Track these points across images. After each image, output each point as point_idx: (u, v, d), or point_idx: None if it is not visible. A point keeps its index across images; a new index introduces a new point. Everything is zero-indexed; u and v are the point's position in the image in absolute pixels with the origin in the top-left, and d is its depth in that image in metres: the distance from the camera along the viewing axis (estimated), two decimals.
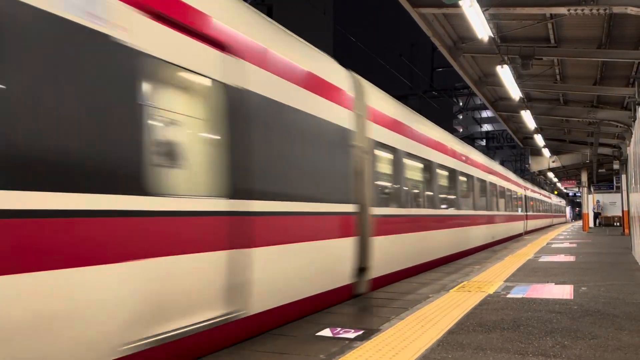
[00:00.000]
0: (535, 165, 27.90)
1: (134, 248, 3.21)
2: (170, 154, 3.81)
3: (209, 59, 4.01)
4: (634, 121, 11.39)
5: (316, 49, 6.08)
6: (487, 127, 67.34)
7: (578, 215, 69.96)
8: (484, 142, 58.95)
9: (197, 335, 3.70)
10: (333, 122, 5.89)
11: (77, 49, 2.94)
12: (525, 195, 24.93)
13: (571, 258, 10.84)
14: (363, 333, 4.35)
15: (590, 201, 30.82)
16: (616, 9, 8.40)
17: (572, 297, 5.88)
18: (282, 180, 4.81)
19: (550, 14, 9.83)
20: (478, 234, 14.07)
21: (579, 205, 56.32)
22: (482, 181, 14.95)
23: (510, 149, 61.94)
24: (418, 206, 9.35)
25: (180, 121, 3.93)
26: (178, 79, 3.95)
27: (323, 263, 5.56)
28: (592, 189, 33.79)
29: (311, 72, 5.57)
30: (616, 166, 23.34)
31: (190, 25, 3.80)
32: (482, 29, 8.59)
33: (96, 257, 2.97)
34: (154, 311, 3.34)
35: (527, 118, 16.48)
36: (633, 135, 10.60)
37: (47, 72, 2.78)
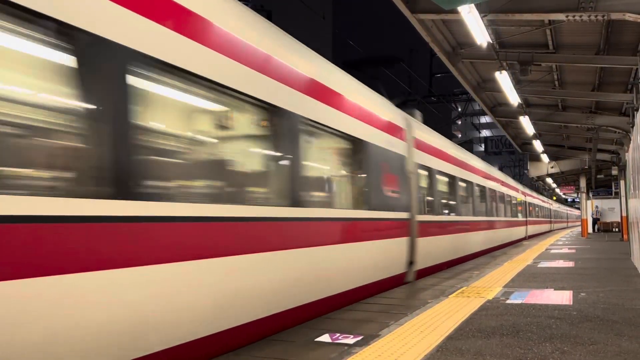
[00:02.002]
0: (534, 170, 27.95)
1: None
2: None
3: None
4: (632, 127, 11.41)
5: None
6: (485, 133, 67.44)
7: None
8: (482, 148, 59.22)
9: None
10: None
11: None
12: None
13: (570, 264, 10.82)
14: (362, 339, 4.33)
15: (589, 207, 30.83)
16: (614, 16, 8.43)
17: (571, 303, 5.87)
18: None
19: (549, 20, 9.87)
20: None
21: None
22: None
23: (509, 154, 62.06)
24: None
25: None
26: None
27: None
28: (590, 195, 33.82)
29: None
30: (615, 172, 23.37)
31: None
32: (480, 34, 8.61)
33: None
34: None
35: (526, 124, 16.52)
36: (631, 141, 10.62)
37: None
